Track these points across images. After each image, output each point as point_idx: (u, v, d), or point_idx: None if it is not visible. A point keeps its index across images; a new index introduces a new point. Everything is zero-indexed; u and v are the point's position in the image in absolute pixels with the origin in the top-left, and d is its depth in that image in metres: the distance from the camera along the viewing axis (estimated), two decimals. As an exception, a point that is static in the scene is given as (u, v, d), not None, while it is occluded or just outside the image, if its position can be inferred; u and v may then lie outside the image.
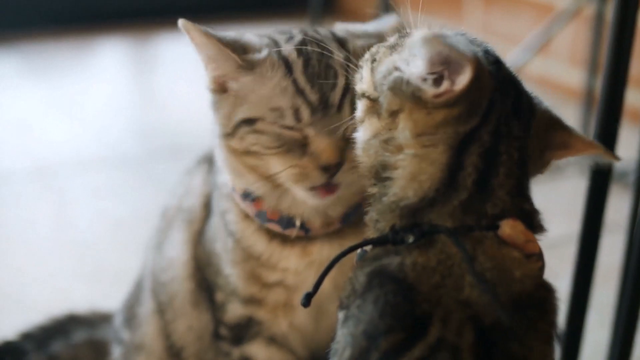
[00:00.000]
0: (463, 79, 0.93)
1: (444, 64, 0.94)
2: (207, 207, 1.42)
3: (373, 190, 1.04)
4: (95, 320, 1.84)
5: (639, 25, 1.35)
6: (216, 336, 1.43)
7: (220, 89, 1.26)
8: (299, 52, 1.23)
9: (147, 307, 1.52)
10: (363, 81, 1.08)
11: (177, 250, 1.45)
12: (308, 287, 1.34)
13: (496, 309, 0.91)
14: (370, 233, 1.05)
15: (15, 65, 4.13)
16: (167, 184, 2.77)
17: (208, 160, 1.46)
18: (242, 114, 1.22)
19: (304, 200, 1.23)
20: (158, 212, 1.55)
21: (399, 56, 1.02)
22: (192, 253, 1.43)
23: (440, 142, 0.97)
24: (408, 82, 0.97)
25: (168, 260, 1.47)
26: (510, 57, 3.05)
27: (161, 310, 1.49)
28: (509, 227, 0.96)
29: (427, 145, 0.97)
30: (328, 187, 1.21)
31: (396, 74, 1.00)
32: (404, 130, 0.99)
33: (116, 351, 1.60)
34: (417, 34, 0.99)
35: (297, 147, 1.19)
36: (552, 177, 2.84)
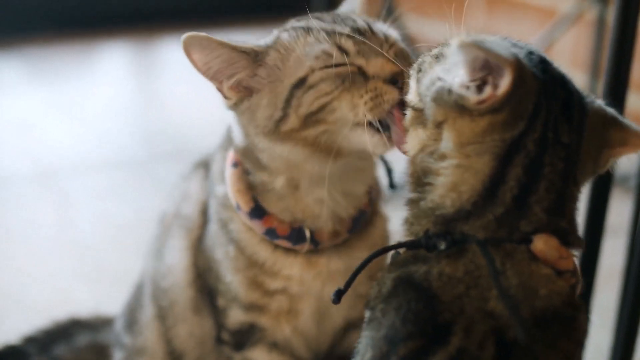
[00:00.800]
0: (505, 82, 0.91)
1: (484, 69, 0.93)
2: (204, 214, 1.42)
3: (412, 195, 1.03)
4: (98, 324, 1.84)
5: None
6: (219, 340, 1.43)
7: (245, 93, 1.26)
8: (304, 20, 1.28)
9: (148, 313, 1.52)
10: (410, 91, 1.07)
11: (177, 257, 1.45)
12: (314, 295, 1.35)
13: (514, 323, 0.90)
14: (405, 235, 1.04)
15: (18, 69, 4.14)
16: (168, 186, 2.79)
17: (204, 166, 1.46)
18: (288, 82, 1.22)
19: (373, 148, 1.20)
20: (158, 217, 1.54)
21: (441, 66, 1.01)
22: (192, 260, 1.43)
23: (486, 151, 0.95)
24: (450, 91, 0.97)
25: (168, 266, 1.47)
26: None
27: (162, 315, 1.49)
28: (542, 243, 0.95)
29: (471, 155, 0.96)
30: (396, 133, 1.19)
31: (439, 84, 0.99)
32: (448, 140, 0.98)
33: (118, 355, 1.60)
34: (454, 42, 0.98)
35: (358, 80, 1.19)
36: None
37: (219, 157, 1.39)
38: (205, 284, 1.42)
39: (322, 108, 1.19)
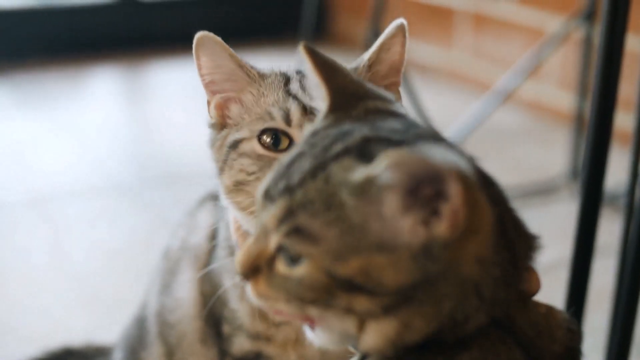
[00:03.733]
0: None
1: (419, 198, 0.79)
2: (212, 240, 1.39)
3: None
4: (91, 354, 1.83)
5: (626, 48, 1.37)
6: None
7: (221, 122, 1.25)
8: (298, 72, 1.24)
9: (154, 352, 1.50)
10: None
11: (185, 290, 1.42)
12: None
13: None
14: None
15: (8, 95, 4.14)
16: (162, 211, 2.80)
17: (212, 198, 1.43)
18: (232, 137, 1.21)
19: None
20: (161, 252, 1.53)
21: None
22: (200, 289, 1.40)
23: None
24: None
25: (176, 300, 1.44)
26: (501, 81, 3.07)
27: (170, 352, 1.47)
28: (535, 281, 0.91)
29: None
30: None
31: None
32: None
33: None
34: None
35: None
36: (544, 201, 2.85)
37: None
38: (210, 312, 1.40)
39: (245, 184, 1.19)
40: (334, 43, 4.94)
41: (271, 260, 0.85)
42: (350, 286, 0.80)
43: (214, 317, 1.39)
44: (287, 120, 1.18)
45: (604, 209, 1.44)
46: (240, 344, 1.36)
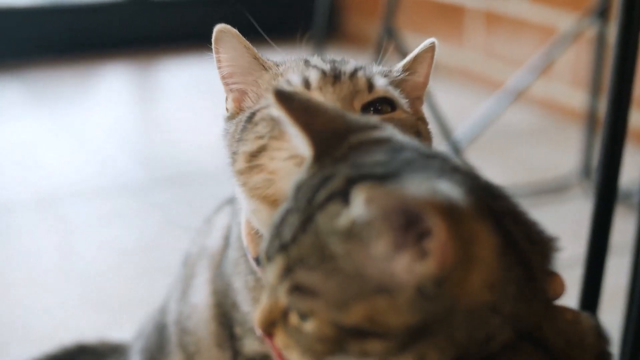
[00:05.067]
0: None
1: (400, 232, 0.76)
2: (226, 239, 1.37)
3: None
4: (105, 351, 1.83)
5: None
6: None
7: (237, 114, 1.21)
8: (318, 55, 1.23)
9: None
10: None
11: (200, 294, 1.41)
12: None
13: None
14: None
15: (18, 94, 4.14)
16: (171, 211, 2.79)
17: (230, 202, 1.41)
18: (248, 112, 1.18)
19: None
20: (181, 259, 1.51)
21: None
22: (212, 289, 1.39)
23: None
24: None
25: (192, 306, 1.43)
26: (512, 80, 3.05)
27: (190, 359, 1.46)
28: (559, 284, 0.90)
29: None
30: None
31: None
32: None
33: None
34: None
35: None
36: (555, 200, 2.84)
37: None
38: (223, 313, 1.39)
39: (262, 152, 1.12)
40: (345, 42, 4.93)
41: (285, 314, 0.85)
42: (359, 333, 0.79)
43: (226, 318, 1.38)
44: (306, 84, 1.14)
45: (617, 207, 1.42)
46: (251, 345, 1.35)
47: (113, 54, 4.70)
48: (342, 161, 0.85)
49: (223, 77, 1.23)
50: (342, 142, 0.88)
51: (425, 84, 1.25)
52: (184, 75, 4.47)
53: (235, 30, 1.20)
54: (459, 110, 3.46)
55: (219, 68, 1.22)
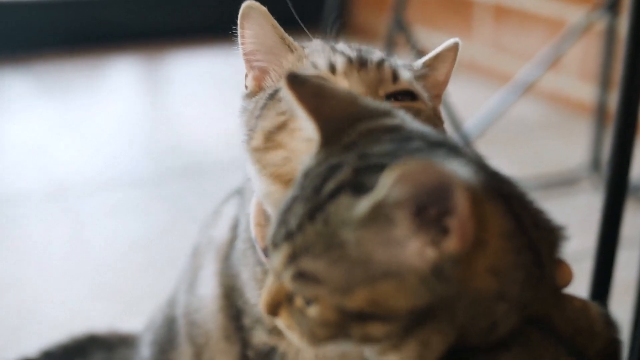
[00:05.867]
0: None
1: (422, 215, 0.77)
2: (234, 230, 1.37)
3: None
4: (115, 342, 1.83)
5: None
6: (244, 358, 1.41)
7: (257, 92, 1.21)
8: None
9: (184, 353, 1.49)
10: None
11: (208, 285, 1.40)
12: None
13: None
14: None
15: (28, 86, 4.15)
16: (181, 203, 2.80)
17: (239, 192, 1.41)
18: (271, 89, 1.17)
19: None
20: (190, 250, 1.52)
21: None
22: (220, 281, 1.39)
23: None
24: None
25: (200, 298, 1.43)
26: (521, 73, 3.05)
27: (199, 353, 1.46)
28: (567, 271, 0.90)
29: None
30: None
31: None
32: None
33: None
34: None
35: None
36: (565, 193, 2.84)
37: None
38: (231, 304, 1.39)
39: (282, 128, 1.12)
40: (355, 35, 4.91)
41: (290, 297, 0.87)
42: (362, 317, 0.80)
43: (234, 310, 1.38)
44: (332, 68, 1.14)
45: (627, 201, 1.42)
46: (260, 336, 1.35)
47: (122, 46, 4.70)
48: (350, 149, 0.86)
49: (245, 54, 1.22)
50: (352, 128, 0.89)
51: (445, 82, 1.25)
52: (193, 68, 4.47)
53: (264, 8, 1.19)
54: (467, 104, 3.45)
55: (242, 44, 1.21)
